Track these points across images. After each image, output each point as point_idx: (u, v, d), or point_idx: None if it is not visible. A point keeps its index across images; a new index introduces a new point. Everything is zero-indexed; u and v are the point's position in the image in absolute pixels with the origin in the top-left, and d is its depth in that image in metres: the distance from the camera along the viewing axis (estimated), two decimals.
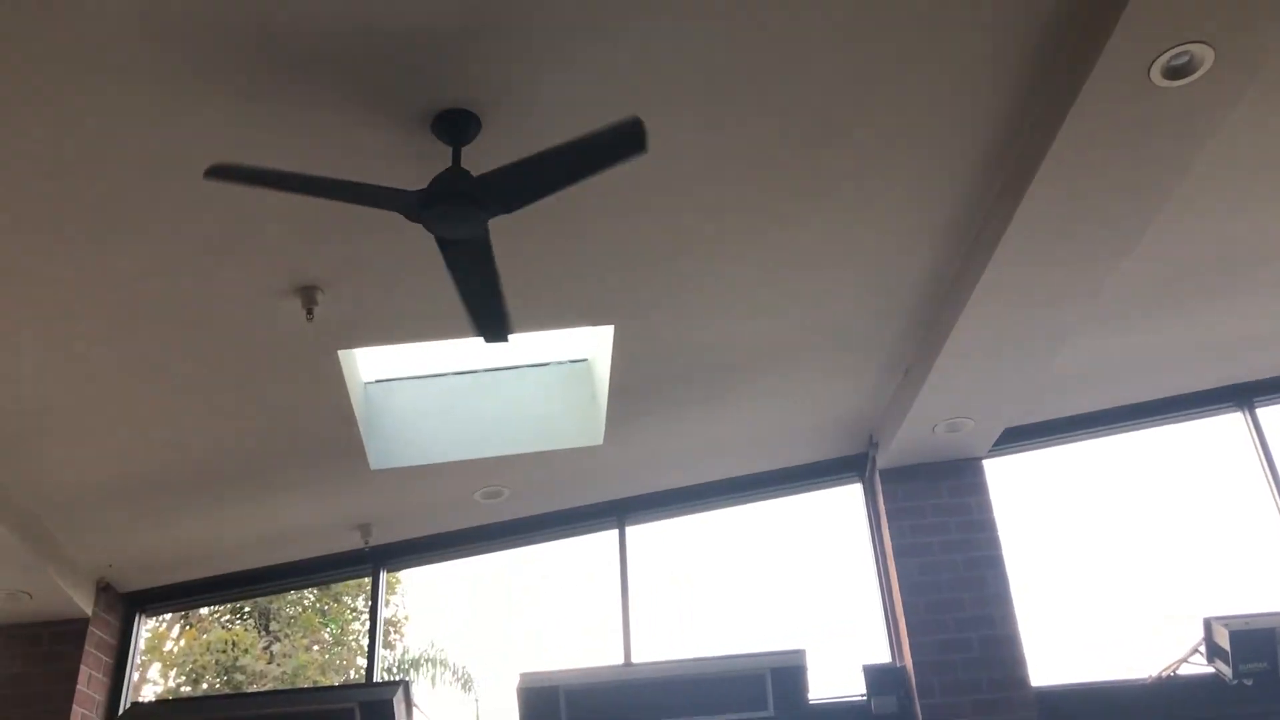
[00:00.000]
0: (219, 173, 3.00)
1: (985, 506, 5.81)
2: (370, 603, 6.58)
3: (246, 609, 11.91)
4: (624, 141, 3.00)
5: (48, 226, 3.66)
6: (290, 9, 2.94)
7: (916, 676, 5.42)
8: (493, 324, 3.78)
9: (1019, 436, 6.10)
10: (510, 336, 3.86)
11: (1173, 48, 3.27)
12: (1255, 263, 5.10)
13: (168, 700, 9.77)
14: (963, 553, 5.67)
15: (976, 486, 5.85)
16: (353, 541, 6.25)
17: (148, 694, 9.54)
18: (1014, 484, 6.10)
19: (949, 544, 5.70)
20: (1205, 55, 3.31)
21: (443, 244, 3.33)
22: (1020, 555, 5.77)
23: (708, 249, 4.28)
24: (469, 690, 13.01)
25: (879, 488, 5.94)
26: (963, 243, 4.44)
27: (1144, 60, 3.31)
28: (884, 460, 5.88)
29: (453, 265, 3.42)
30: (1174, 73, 3.38)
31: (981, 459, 5.93)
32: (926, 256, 4.53)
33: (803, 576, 6.29)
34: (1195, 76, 3.39)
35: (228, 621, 11.70)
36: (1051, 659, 5.60)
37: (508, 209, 3.22)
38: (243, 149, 3.41)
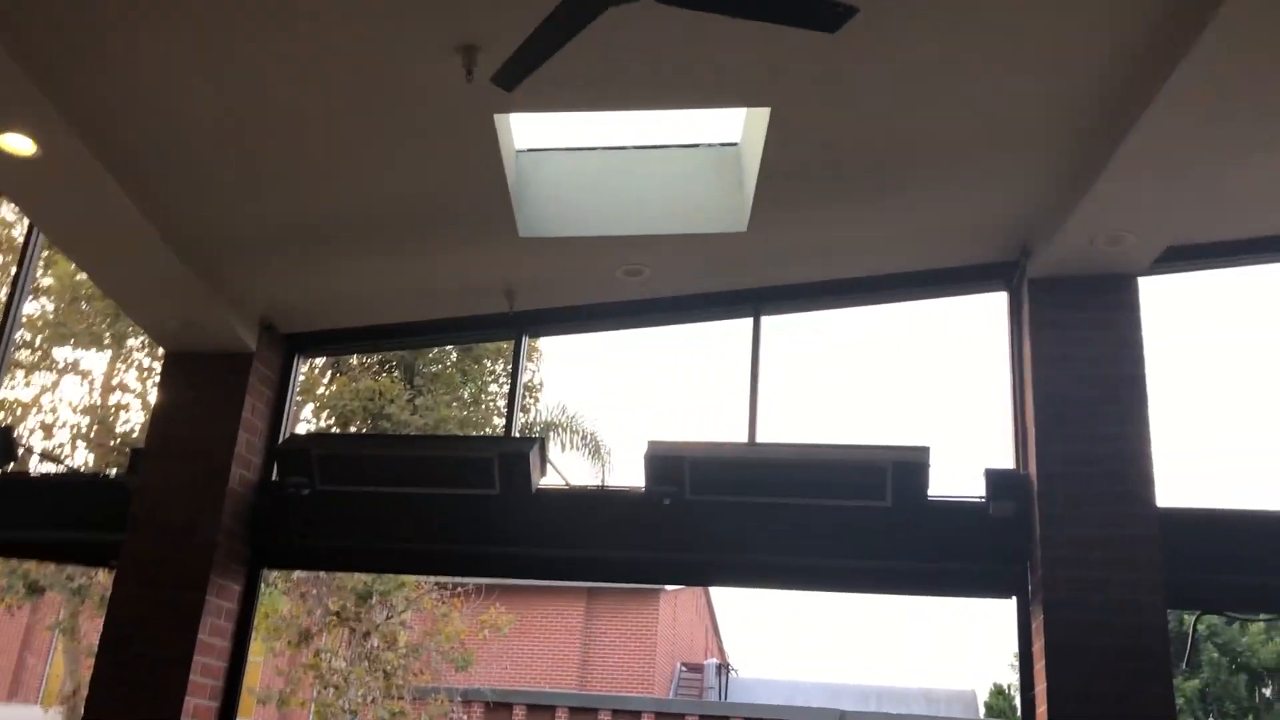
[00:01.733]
0: (507, 77, 3.49)
1: (1134, 324, 5.63)
2: (511, 365, 6.86)
3: (393, 362, 12.56)
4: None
5: None
6: None
7: (1040, 484, 5.44)
8: (812, 10, 3.45)
9: (1180, 255, 5.81)
10: (853, 7, 3.44)
11: None
12: None
13: (323, 434, 10.52)
14: (1104, 368, 5.55)
15: (1129, 304, 5.66)
16: (498, 305, 6.46)
17: (302, 430, 10.26)
18: (1168, 304, 5.88)
19: (1092, 358, 5.57)
20: None
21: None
22: (1166, 379, 5.62)
23: (879, 29, 4.11)
24: (597, 457, 13.66)
25: (1026, 297, 5.80)
26: (1147, 48, 4.15)
27: None
28: (1035, 269, 5.72)
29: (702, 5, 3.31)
30: None
31: (1138, 276, 5.71)
32: (1106, 58, 4.27)
33: (936, 380, 6.29)
34: None
35: (376, 372, 12.37)
36: (1182, 484, 5.54)
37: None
38: None
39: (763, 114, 4.79)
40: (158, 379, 6.88)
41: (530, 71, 3.47)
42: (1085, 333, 5.63)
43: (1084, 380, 5.55)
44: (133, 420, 11.68)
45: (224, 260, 5.81)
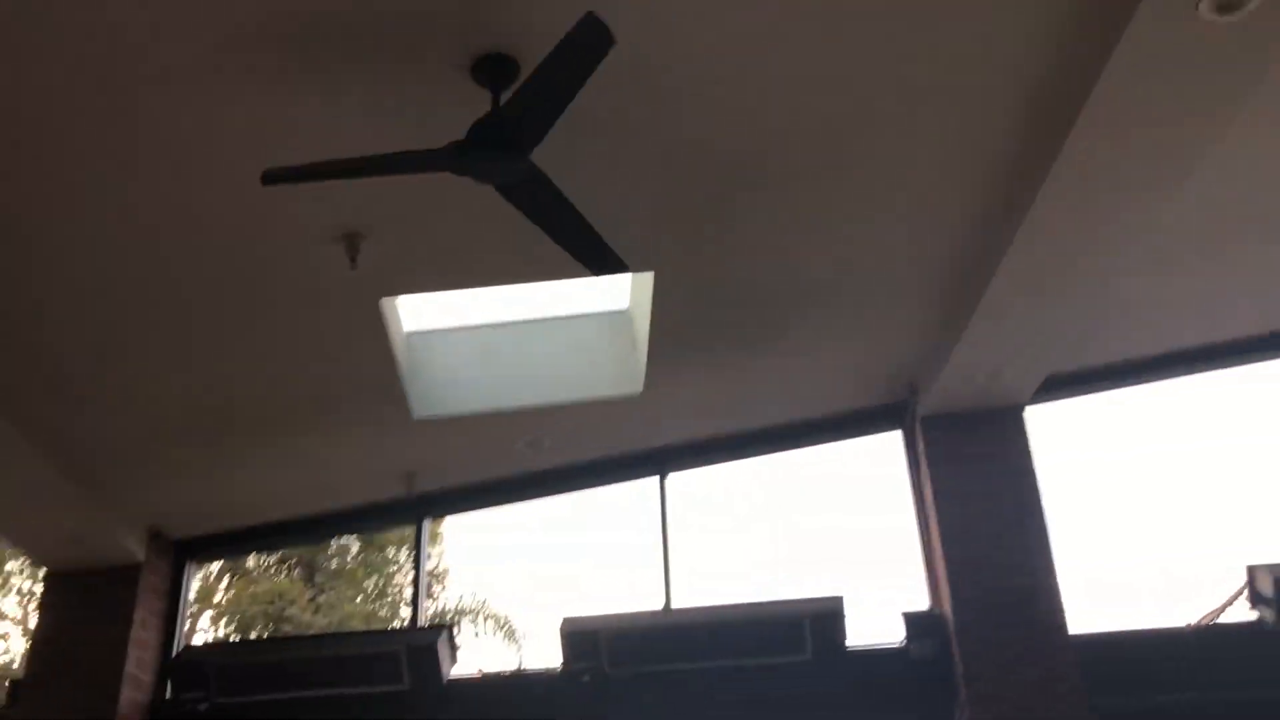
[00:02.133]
0: (274, 177, 3.14)
1: (1025, 454, 5.79)
2: (414, 551, 6.68)
3: (292, 560, 12.13)
4: (593, 38, 2.95)
5: (97, 155, 3.72)
6: None
7: (956, 622, 5.44)
8: (595, 255, 3.68)
9: (1061, 384, 6.04)
10: (623, 266, 3.73)
11: None
12: None
13: (217, 643, 10.00)
14: (1003, 500, 5.66)
15: (1017, 434, 5.83)
16: (397, 489, 6.34)
17: (200, 641, 9.75)
18: (1055, 432, 6.06)
19: (989, 492, 5.68)
20: None
21: (502, 192, 3.34)
22: (1061, 503, 5.76)
23: (752, 193, 4.27)
24: (511, 639, 13.22)
25: (920, 435, 5.93)
26: (1009, 185, 4.40)
27: None
28: (925, 408, 5.87)
29: (527, 211, 3.42)
30: (1223, 7, 3.31)
31: (1023, 406, 5.90)
32: (972, 199, 4.50)
33: (842, 524, 6.31)
34: (1245, 11, 3.32)
35: (274, 573, 11.92)
36: (1090, 607, 5.59)
37: (539, 136, 3.21)
38: (290, 107, 3.44)
39: (648, 278, 4.89)
40: (39, 602, 6.51)
41: (315, 179, 3.28)
42: (980, 466, 5.76)
43: (985, 514, 5.64)
44: (13, 650, 10.99)
45: (107, 469, 5.60)
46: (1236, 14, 3.32)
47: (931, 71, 3.74)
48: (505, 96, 3.47)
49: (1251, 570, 5.39)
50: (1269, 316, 6.07)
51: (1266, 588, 5.28)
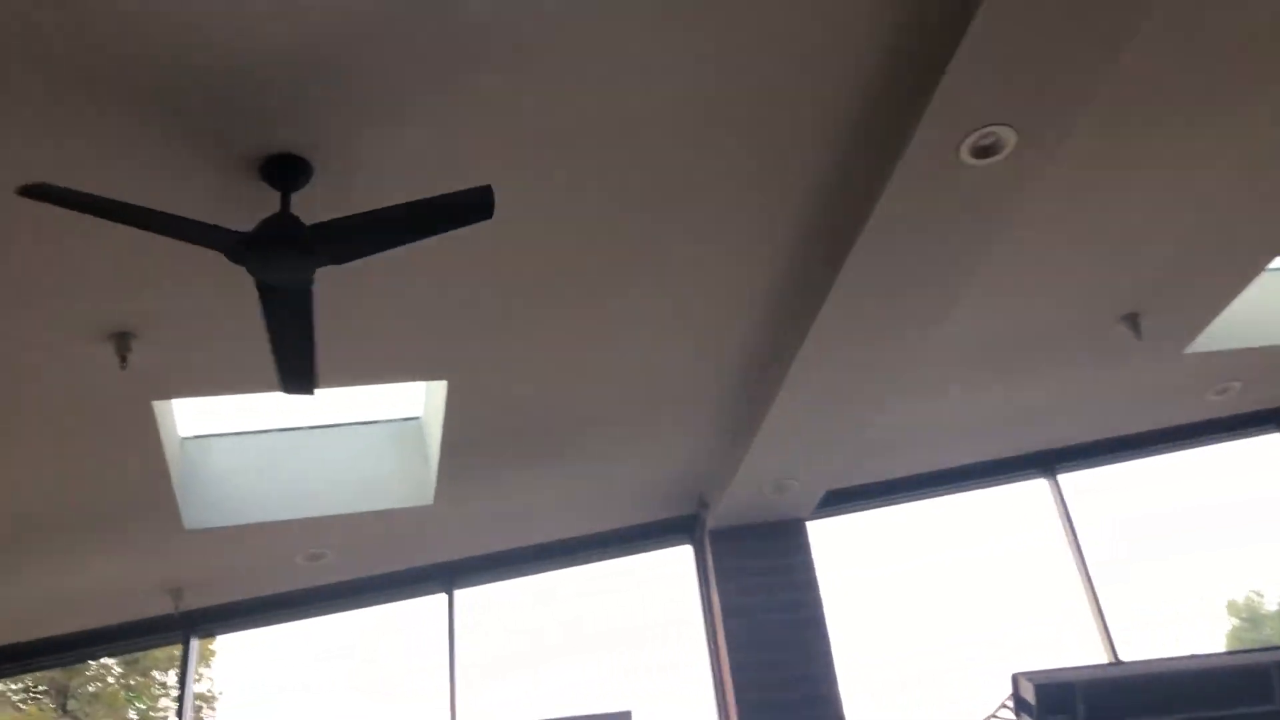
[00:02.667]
0: (34, 192, 2.85)
1: (809, 567, 5.96)
2: (180, 672, 6.23)
3: (42, 687, 11.11)
4: (472, 207, 3.02)
5: None
6: (113, 39, 2.85)
7: None
8: (299, 376, 3.68)
9: (840, 499, 6.32)
10: (314, 390, 3.75)
11: (980, 128, 3.50)
12: (1055, 339, 5.44)
13: None
14: (787, 613, 5.79)
15: (800, 547, 6.00)
16: (163, 606, 5.93)
17: None
18: (836, 545, 6.28)
19: (774, 604, 5.81)
20: (1009, 137, 3.56)
21: (262, 290, 3.24)
22: (840, 614, 5.93)
23: (542, 307, 4.31)
24: None
25: (709, 548, 6.02)
26: (786, 310, 4.60)
27: (954, 139, 3.52)
28: (713, 521, 5.98)
29: (270, 313, 3.33)
30: (981, 152, 3.61)
31: (805, 520, 6.09)
32: (752, 322, 4.67)
33: (635, 637, 6.29)
34: (1001, 156, 3.63)
35: (20, 700, 10.88)
36: (870, 713, 5.73)
37: (337, 260, 3.17)
38: (65, 173, 3.25)
39: (441, 387, 4.83)
40: None
41: (71, 207, 2.93)
42: (765, 579, 5.89)
43: (769, 626, 5.75)
44: None
45: None
46: (992, 159, 3.63)
47: (716, 198, 3.89)
48: (297, 198, 3.41)
49: (1015, 678, 5.64)
50: (1027, 438, 6.51)
51: (1028, 695, 5.53)
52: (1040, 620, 6.31)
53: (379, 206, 3.39)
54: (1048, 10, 3.08)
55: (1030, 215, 4.29)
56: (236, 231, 3.07)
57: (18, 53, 2.84)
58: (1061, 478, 6.62)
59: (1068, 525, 6.45)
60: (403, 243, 3.16)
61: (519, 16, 3.01)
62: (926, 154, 3.57)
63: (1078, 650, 6.14)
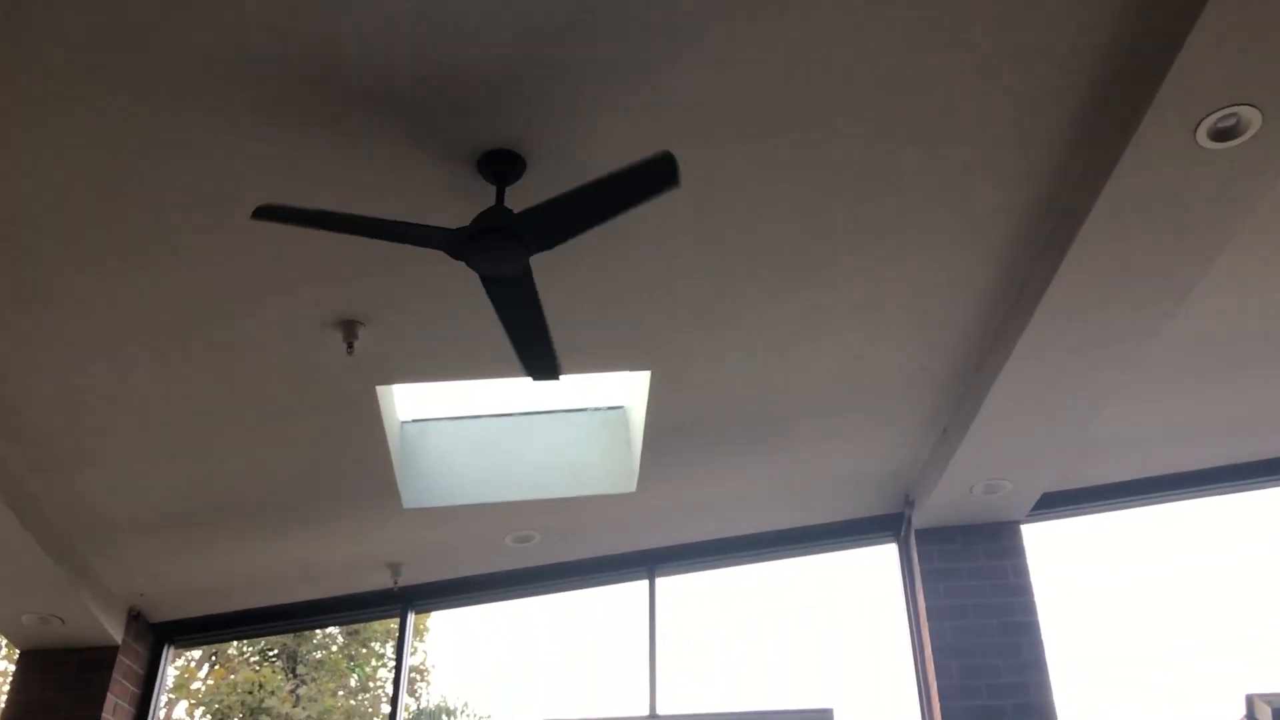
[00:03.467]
0: (266, 213, 3.07)
1: (1022, 571, 5.72)
2: (397, 644, 6.55)
3: (274, 651, 11.91)
4: (657, 175, 3.02)
5: (101, 251, 3.74)
6: (345, 45, 3.02)
7: None
8: (541, 362, 3.79)
9: (1058, 502, 6.02)
10: (559, 375, 3.85)
11: (1221, 109, 3.26)
12: None
13: None
14: (998, 617, 5.58)
15: (1014, 550, 5.77)
16: (382, 581, 6.25)
17: None
18: (1053, 548, 6.00)
19: (984, 608, 5.60)
20: (1253, 118, 3.30)
21: (486, 282, 3.36)
22: (1057, 622, 5.67)
23: (748, 296, 4.29)
24: None
25: (914, 548, 5.87)
26: (1005, 299, 4.42)
27: (1191, 120, 3.30)
28: (920, 520, 5.82)
29: (498, 303, 3.45)
30: (1221, 134, 3.37)
31: (1019, 523, 5.85)
32: (968, 312, 4.52)
33: (835, 635, 6.20)
34: (1243, 139, 3.38)
35: (256, 663, 11.70)
36: None
37: (549, 245, 3.25)
38: (292, 182, 3.48)
39: (645, 377, 4.89)
40: (10, 681, 6.37)
41: (304, 224, 3.16)
42: (975, 582, 5.68)
43: (979, 631, 5.55)
44: None
45: (90, 547, 5.53)
46: (1231, 143, 3.38)
47: (931, 181, 3.78)
48: (511, 191, 3.53)
49: (1250, 699, 5.27)
50: (1269, 443, 6.05)
51: (1265, 718, 5.15)
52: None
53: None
54: None
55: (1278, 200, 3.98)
56: (453, 229, 3.19)
57: (257, 54, 3.04)
58: None
59: None
60: (604, 219, 3.18)
61: (730, 5, 3.00)
62: (1160, 137, 3.36)
63: None
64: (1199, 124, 3.32)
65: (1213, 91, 3.20)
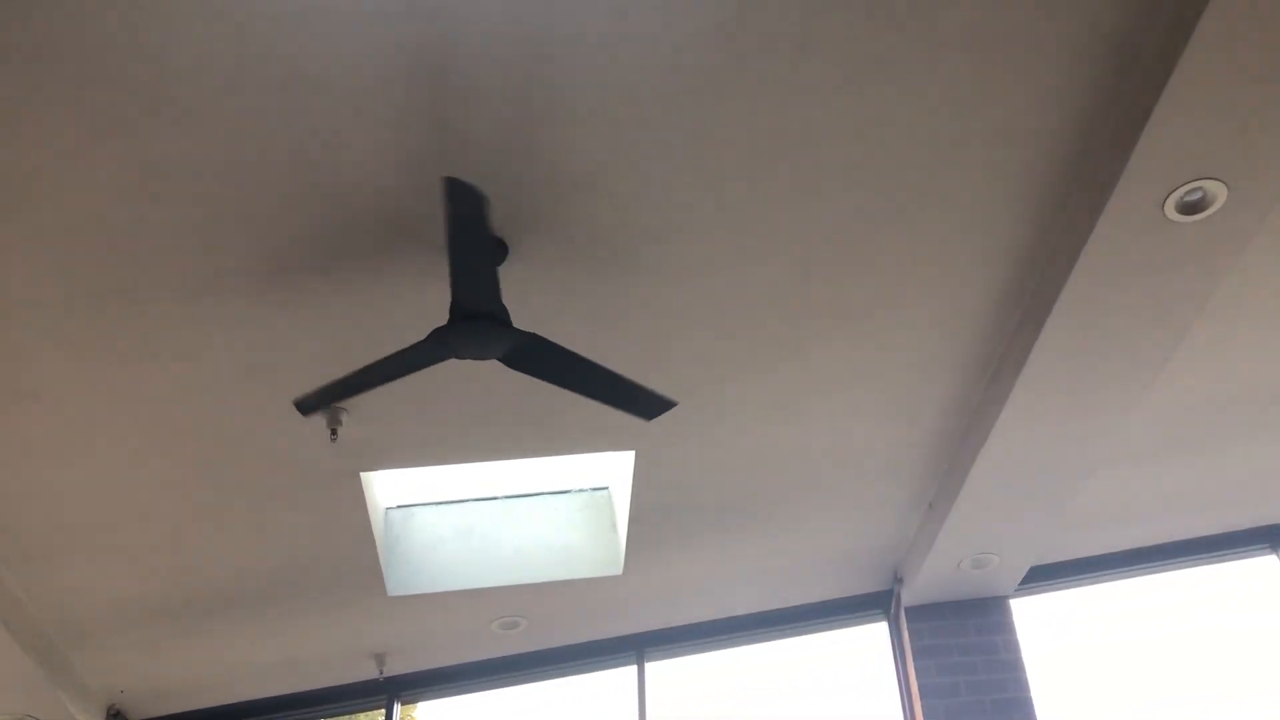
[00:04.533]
0: (308, 407, 3.52)
1: (1013, 646, 5.68)
2: None
3: None
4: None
5: (80, 348, 3.74)
6: (327, 138, 3.07)
7: None
8: (636, 400, 3.66)
9: (1046, 575, 6.02)
10: (672, 402, 3.69)
11: (1187, 183, 3.34)
12: None
13: None
14: (991, 694, 5.52)
15: (1003, 625, 5.73)
16: (367, 671, 6.16)
17: None
18: (1042, 623, 5.96)
19: (976, 684, 5.55)
20: (1219, 191, 3.38)
21: (508, 363, 3.38)
22: (1049, 697, 5.61)
23: (731, 375, 4.31)
24: None
25: (904, 625, 5.83)
26: (985, 374, 4.46)
27: (1157, 196, 3.38)
28: (909, 597, 5.78)
29: (541, 376, 3.47)
30: (1188, 208, 3.44)
31: (1008, 597, 5.82)
32: (949, 386, 4.55)
33: (828, 715, 6.12)
34: (1209, 212, 3.45)
35: None
36: None
37: (515, 367, 3.40)
38: (277, 275, 3.51)
39: (629, 457, 4.89)
40: None
41: (336, 400, 3.58)
42: (966, 658, 5.64)
43: (971, 709, 5.50)
44: None
45: (68, 644, 5.44)
46: (1199, 215, 3.46)
47: (907, 259, 3.83)
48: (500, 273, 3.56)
49: None
50: (1252, 511, 6.06)
51: None
52: (1272, 706, 5.80)
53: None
54: (1253, 54, 2.93)
55: (1252, 269, 4.05)
56: (434, 331, 3.22)
57: (244, 145, 3.08)
58: None
59: None
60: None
61: (706, 91, 3.07)
62: (1129, 212, 3.43)
63: None
64: (1166, 198, 3.39)
65: (1179, 166, 3.28)
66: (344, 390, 3.45)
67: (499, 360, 3.37)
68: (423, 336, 3.37)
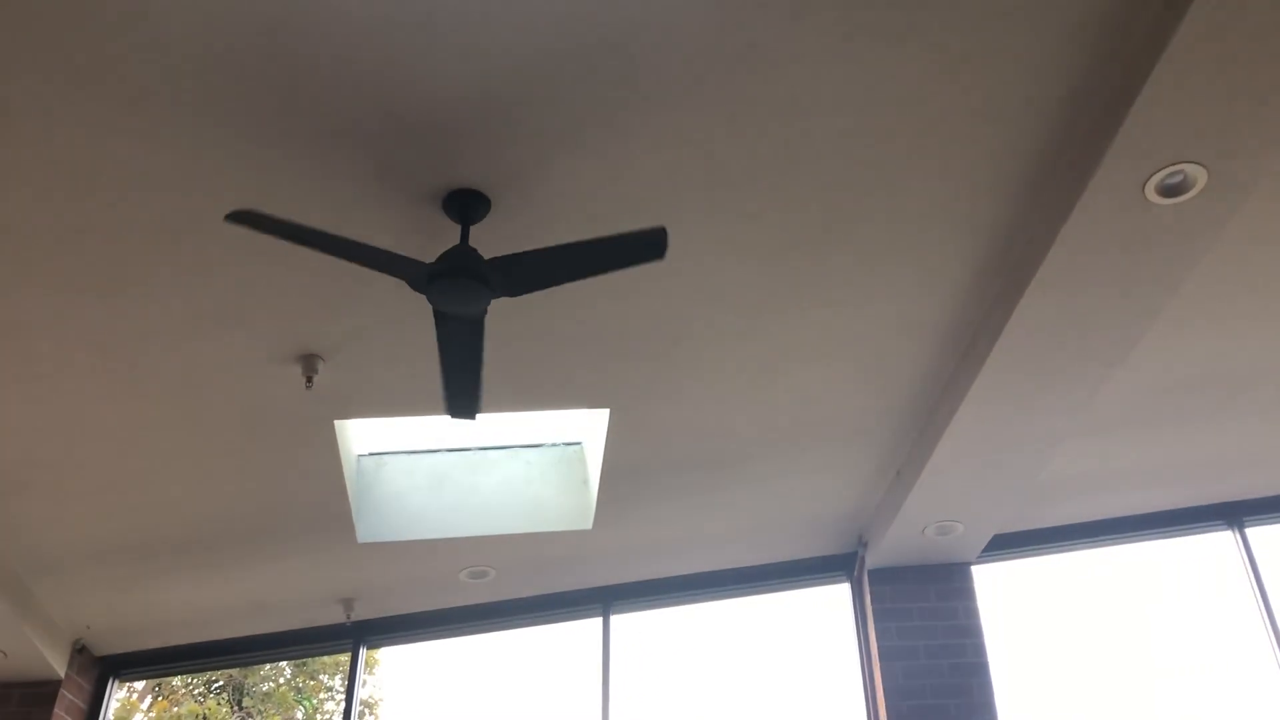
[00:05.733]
0: (241, 218, 3.02)
1: (972, 612, 5.78)
2: (348, 680, 6.48)
3: (220, 683, 11.70)
4: (645, 248, 3.12)
5: (57, 284, 3.71)
6: (316, 84, 3.04)
7: None
8: (464, 401, 3.80)
9: (1008, 544, 6.10)
10: (476, 417, 3.87)
11: (1167, 166, 3.36)
12: (1246, 382, 5.15)
13: None
14: (949, 658, 5.62)
15: (964, 591, 5.83)
16: (334, 616, 6.19)
17: None
18: (1002, 590, 6.07)
19: (935, 649, 5.65)
20: (1199, 175, 3.41)
21: (439, 317, 3.37)
22: (1007, 663, 5.72)
23: (707, 337, 4.33)
24: None
25: (867, 588, 5.91)
26: (959, 345, 4.50)
27: (1139, 177, 3.40)
28: (873, 560, 5.87)
29: (444, 340, 3.46)
30: (1168, 190, 3.47)
31: (970, 564, 5.92)
32: (923, 356, 4.59)
33: (787, 674, 6.22)
34: (1189, 195, 3.48)
35: (200, 695, 11.48)
36: None
37: (513, 294, 3.28)
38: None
39: (603, 415, 4.91)
40: None
41: (269, 232, 3.07)
42: (926, 622, 5.73)
43: (929, 671, 5.59)
44: None
45: (35, 579, 5.44)
46: (1179, 199, 3.49)
47: (886, 231, 3.85)
48: (476, 230, 3.55)
49: None
50: (1211, 488, 6.17)
51: None
52: (1224, 681, 5.95)
53: (553, 240, 3.51)
54: (1242, 42, 2.95)
55: (1227, 253, 4.10)
56: (423, 263, 3.20)
57: (225, 90, 3.05)
58: (1250, 531, 6.23)
59: (1255, 582, 6.06)
60: (576, 278, 3.25)
61: (695, 54, 3.06)
62: (1110, 191, 3.45)
63: (1264, 713, 5.76)
64: (1148, 180, 3.42)
65: (1161, 149, 3.30)
66: (288, 232, 3.07)
67: (506, 296, 3.32)
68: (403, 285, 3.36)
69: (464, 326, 3.39)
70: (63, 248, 3.56)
